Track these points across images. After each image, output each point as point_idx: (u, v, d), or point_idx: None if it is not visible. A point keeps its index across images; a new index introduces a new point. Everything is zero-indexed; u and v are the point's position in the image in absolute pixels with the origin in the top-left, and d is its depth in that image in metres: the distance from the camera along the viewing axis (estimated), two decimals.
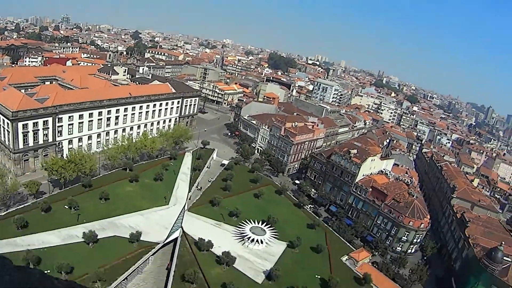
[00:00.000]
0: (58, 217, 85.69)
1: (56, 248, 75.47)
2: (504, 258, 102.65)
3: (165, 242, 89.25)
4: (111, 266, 74.44)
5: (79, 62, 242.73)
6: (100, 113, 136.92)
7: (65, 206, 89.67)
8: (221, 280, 77.53)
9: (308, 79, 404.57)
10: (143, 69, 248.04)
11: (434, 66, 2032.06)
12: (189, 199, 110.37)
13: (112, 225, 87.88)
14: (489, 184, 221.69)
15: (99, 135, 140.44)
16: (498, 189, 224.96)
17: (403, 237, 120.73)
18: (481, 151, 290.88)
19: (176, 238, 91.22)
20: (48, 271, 68.30)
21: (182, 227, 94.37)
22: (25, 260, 67.45)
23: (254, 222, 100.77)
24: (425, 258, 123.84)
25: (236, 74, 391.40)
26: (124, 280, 75.45)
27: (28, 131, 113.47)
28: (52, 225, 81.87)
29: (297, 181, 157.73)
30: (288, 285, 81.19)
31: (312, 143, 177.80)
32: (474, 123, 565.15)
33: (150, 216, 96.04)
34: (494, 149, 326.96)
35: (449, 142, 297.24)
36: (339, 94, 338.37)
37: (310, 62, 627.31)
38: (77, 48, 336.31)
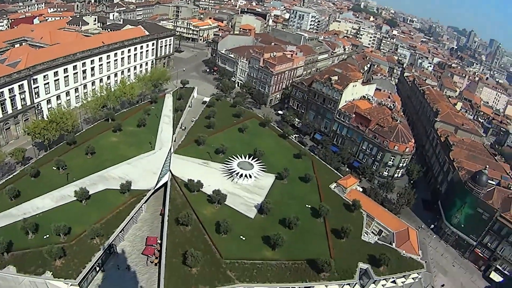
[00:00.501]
0: (48, 180, 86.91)
1: (51, 211, 77.37)
2: (489, 181, 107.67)
3: (155, 188, 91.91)
4: (106, 220, 77.31)
5: (47, 18, 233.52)
6: (74, 67, 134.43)
7: (53, 168, 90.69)
8: (214, 219, 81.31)
9: (284, 7, 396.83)
10: (113, 15, 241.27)
11: None
12: (174, 141, 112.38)
13: (102, 179, 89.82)
14: (472, 108, 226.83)
15: (76, 90, 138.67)
16: (482, 113, 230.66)
17: (389, 162, 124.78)
18: (464, 74, 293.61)
19: (166, 183, 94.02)
20: (47, 235, 70.42)
21: (170, 170, 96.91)
22: (23, 229, 69.16)
23: (241, 157, 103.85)
24: (411, 182, 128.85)
25: (210, 9, 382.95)
26: (120, 232, 78.54)
27: (5, 99, 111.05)
28: (43, 189, 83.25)
29: (280, 112, 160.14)
30: (280, 217, 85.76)
31: (292, 72, 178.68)
32: (456, 47, 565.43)
33: (137, 164, 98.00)
34: (476, 73, 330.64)
35: (430, 66, 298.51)
36: (316, 20, 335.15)
37: None
38: (42, 3, 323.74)
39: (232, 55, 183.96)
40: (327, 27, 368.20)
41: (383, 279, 79.79)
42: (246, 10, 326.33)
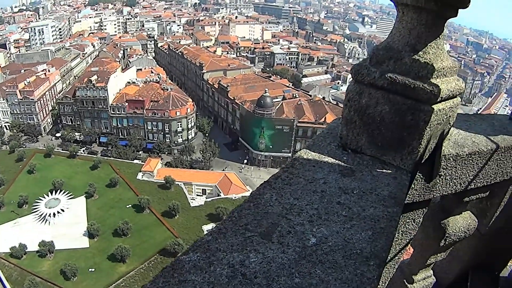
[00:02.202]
0: None
1: None
2: (274, 100, 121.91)
3: None
4: None
5: None
6: None
7: None
8: (57, 270, 78.91)
9: (21, 28, 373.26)
10: None
11: None
12: None
13: None
14: (232, 48, 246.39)
15: None
16: (243, 48, 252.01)
17: (178, 128, 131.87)
18: (213, 22, 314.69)
19: None
20: None
21: None
22: None
23: (45, 197, 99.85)
24: (207, 135, 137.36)
25: None
26: None
27: None
28: None
29: (58, 134, 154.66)
30: (111, 230, 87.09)
31: (53, 90, 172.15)
32: (198, 1, 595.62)
33: None
34: (225, 17, 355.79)
35: (180, 27, 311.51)
36: (57, 29, 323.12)
37: (16, 10, 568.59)
38: None
39: None
40: (70, 31, 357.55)
41: None
42: None
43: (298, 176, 3.50)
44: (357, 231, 2.84)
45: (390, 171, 3.68)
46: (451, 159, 4.06)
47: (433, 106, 3.48)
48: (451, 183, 4.23)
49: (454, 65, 3.77)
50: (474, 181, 4.41)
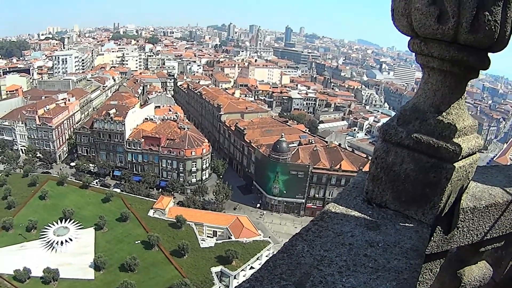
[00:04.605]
0: None
1: None
2: (290, 145, 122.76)
3: None
4: None
5: None
6: None
7: None
8: None
9: (45, 56, 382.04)
10: None
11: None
12: None
13: None
14: (250, 91, 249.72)
15: None
16: (261, 91, 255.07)
17: (193, 168, 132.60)
18: (233, 64, 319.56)
19: None
20: None
21: None
22: None
23: (54, 224, 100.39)
24: (221, 177, 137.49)
25: None
26: None
27: None
28: None
29: (72, 164, 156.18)
30: (118, 265, 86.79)
31: (71, 120, 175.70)
32: (219, 43, 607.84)
33: None
34: (244, 59, 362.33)
35: (200, 68, 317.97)
36: (80, 60, 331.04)
37: (43, 37, 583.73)
38: None
39: (6, 123, 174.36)
40: (92, 63, 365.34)
41: (241, 270, 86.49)
42: (8, 70, 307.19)
43: (327, 229, 3.76)
44: (382, 281, 3.07)
45: (412, 225, 3.92)
46: (468, 212, 4.30)
47: (454, 164, 3.76)
48: (468, 235, 4.46)
49: (474, 123, 4.07)
50: (491, 232, 4.61)
